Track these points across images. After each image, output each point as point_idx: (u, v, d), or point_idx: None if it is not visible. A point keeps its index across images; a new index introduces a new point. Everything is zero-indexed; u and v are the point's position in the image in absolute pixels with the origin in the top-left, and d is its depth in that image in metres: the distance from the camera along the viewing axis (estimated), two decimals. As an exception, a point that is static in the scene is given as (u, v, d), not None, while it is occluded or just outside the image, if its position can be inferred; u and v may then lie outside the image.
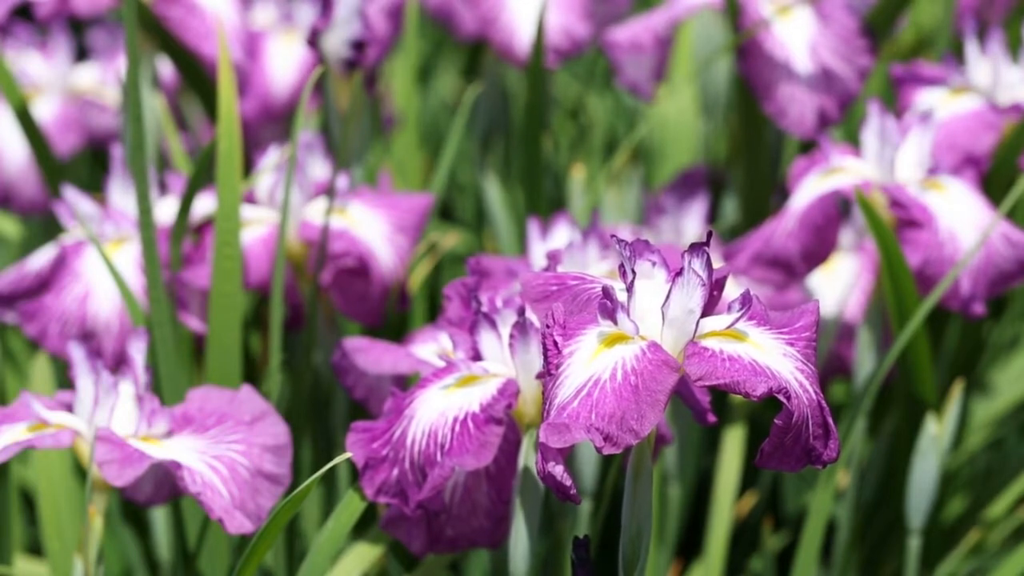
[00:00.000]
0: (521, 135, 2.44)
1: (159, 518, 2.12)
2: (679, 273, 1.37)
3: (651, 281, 1.41)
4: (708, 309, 1.40)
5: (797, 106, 2.33)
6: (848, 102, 2.34)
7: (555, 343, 1.37)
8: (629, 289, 1.39)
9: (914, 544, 2.03)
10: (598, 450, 1.31)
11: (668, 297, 1.38)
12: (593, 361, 1.35)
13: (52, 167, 2.29)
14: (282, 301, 1.88)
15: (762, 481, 2.46)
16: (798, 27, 2.34)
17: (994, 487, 2.30)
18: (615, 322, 1.38)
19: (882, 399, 2.40)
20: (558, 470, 1.34)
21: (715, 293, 1.44)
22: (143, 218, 1.75)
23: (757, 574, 2.46)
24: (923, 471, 1.99)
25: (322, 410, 2.13)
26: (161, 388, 1.79)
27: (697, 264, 1.37)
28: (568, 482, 1.35)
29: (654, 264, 1.42)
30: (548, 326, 1.38)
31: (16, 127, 2.48)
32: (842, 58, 2.34)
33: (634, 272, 1.40)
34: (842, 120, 2.39)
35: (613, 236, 1.43)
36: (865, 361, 2.09)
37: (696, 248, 1.38)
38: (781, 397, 1.34)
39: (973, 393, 2.46)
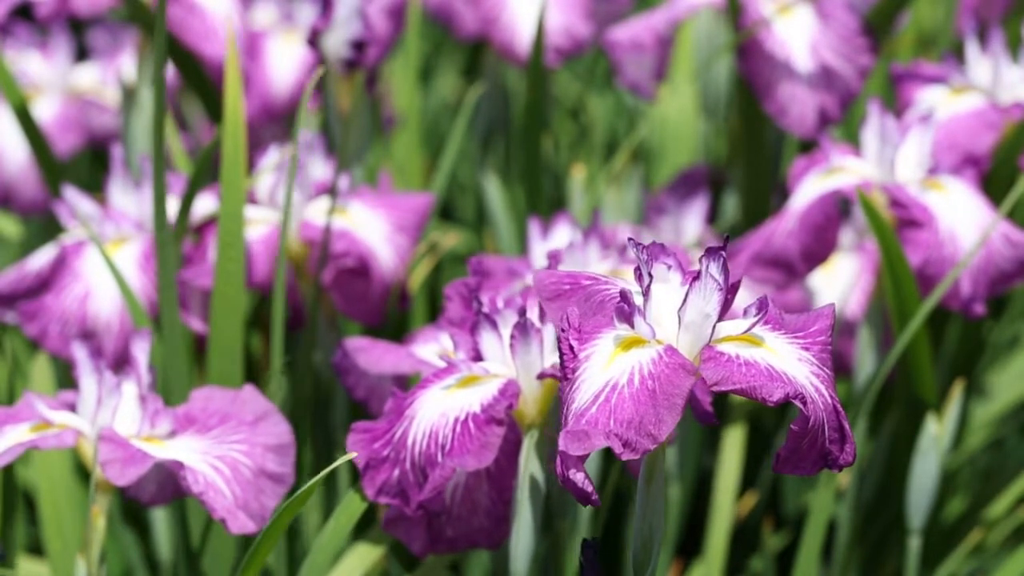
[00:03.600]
0: (521, 135, 2.44)
1: (160, 519, 2.12)
2: (696, 277, 1.37)
3: (666, 284, 1.41)
4: (721, 313, 1.39)
5: (798, 105, 2.33)
6: (849, 101, 2.34)
7: (571, 347, 1.36)
8: (646, 293, 1.39)
9: (914, 544, 2.03)
10: (617, 456, 1.30)
11: (685, 301, 1.37)
12: (610, 366, 1.35)
13: (52, 167, 2.29)
14: (284, 301, 1.87)
15: (762, 481, 2.46)
16: (799, 26, 2.34)
17: (994, 487, 2.30)
18: (632, 326, 1.37)
19: (882, 399, 2.40)
20: (579, 477, 1.34)
21: (728, 297, 1.44)
22: (158, 219, 1.75)
23: (757, 574, 2.46)
24: (923, 471, 1.99)
25: (323, 410, 2.12)
26: (164, 388, 1.79)
27: (714, 268, 1.37)
28: (590, 488, 1.34)
29: (669, 267, 1.41)
30: (563, 329, 1.37)
31: (16, 127, 2.48)
32: (843, 57, 2.34)
33: (651, 275, 1.39)
34: (842, 119, 2.39)
35: (630, 239, 1.42)
36: (865, 361, 2.09)
37: (713, 252, 1.37)
38: (797, 402, 1.33)
39: (973, 393, 2.46)
